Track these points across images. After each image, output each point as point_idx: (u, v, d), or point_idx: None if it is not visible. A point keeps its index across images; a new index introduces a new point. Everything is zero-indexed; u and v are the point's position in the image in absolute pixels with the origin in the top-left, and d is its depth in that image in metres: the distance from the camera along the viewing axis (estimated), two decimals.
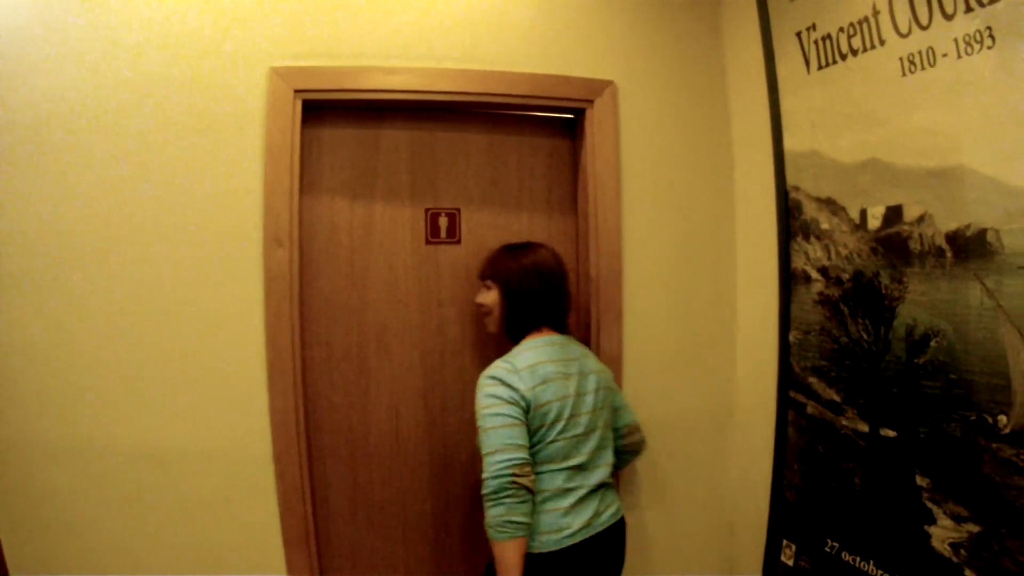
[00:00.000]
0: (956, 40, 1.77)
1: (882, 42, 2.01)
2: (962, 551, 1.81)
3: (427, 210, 2.71)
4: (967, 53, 1.75)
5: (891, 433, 2.05)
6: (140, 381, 2.39)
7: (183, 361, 2.42)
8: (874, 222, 2.09)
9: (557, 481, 2.18)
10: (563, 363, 2.26)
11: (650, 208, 2.76)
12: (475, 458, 2.76)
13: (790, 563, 2.47)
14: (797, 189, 2.40)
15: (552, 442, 2.17)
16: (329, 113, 2.61)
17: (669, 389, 2.81)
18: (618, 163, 2.70)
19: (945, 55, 1.81)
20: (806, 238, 2.37)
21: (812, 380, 2.37)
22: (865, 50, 2.08)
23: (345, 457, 2.69)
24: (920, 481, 1.94)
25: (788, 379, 2.49)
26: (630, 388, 2.73)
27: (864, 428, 2.16)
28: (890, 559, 2.06)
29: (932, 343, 1.90)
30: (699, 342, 2.83)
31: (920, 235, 1.93)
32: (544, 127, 2.81)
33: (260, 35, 2.44)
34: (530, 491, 2.06)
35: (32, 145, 2.33)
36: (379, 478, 2.72)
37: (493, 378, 2.17)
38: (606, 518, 2.25)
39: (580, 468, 2.22)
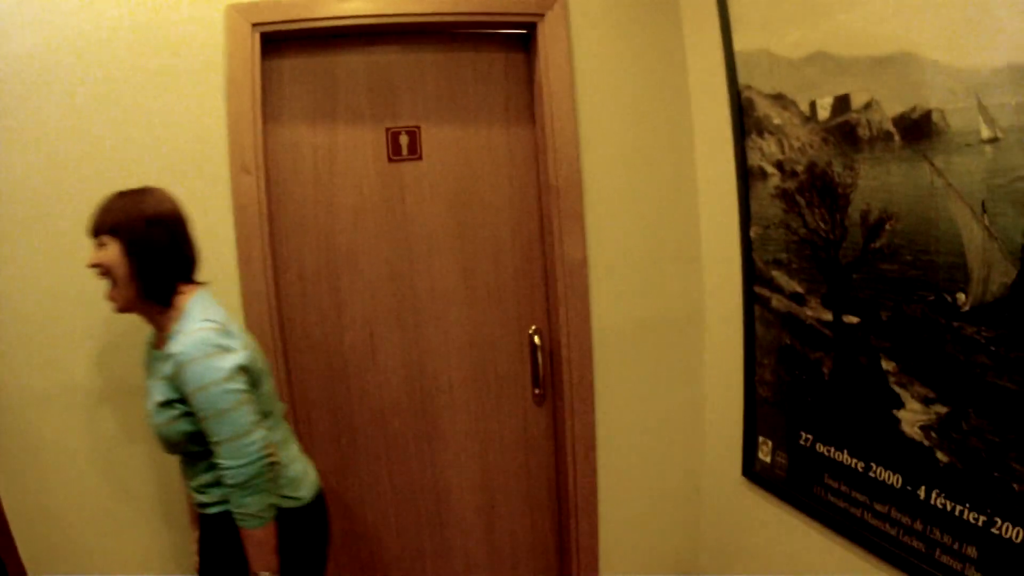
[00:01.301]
0: None
1: None
2: (932, 433, 1.84)
3: (387, 129, 2.73)
4: None
5: (854, 320, 2.07)
6: (113, 317, 2.39)
7: None
8: (823, 113, 2.09)
9: (284, 430, 2.12)
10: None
11: (606, 115, 2.76)
12: (452, 367, 2.87)
13: (767, 460, 2.52)
14: (749, 88, 2.38)
15: (268, 394, 2.03)
16: (288, 44, 2.63)
17: (637, 292, 2.85)
18: (572, 74, 2.70)
19: None
20: (760, 134, 2.36)
21: (775, 274, 2.39)
22: None
23: (325, 378, 2.76)
24: (886, 365, 1.96)
25: (752, 275, 2.51)
26: (598, 292, 2.79)
27: (828, 317, 2.18)
28: (863, 447, 2.09)
29: (887, 226, 1.91)
30: (664, 243, 2.85)
31: (868, 121, 1.92)
32: (498, 42, 2.81)
33: None
34: (276, 464, 1.92)
35: None
36: (358, 396, 2.81)
37: (210, 345, 1.83)
38: None
39: (283, 412, 2.18)
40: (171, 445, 1.96)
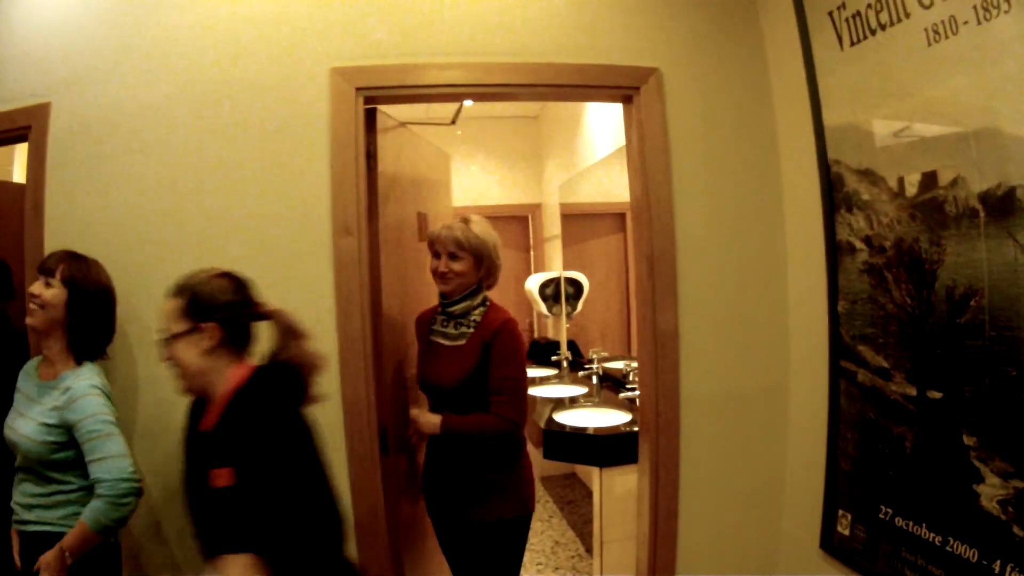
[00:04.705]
0: (975, 7, 1.81)
1: (907, 15, 2.06)
2: (1010, 508, 1.83)
3: None
4: (986, 19, 1.79)
5: (937, 395, 2.07)
6: None
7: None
8: (911, 189, 2.13)
9: None
10: None
11: (700, 187, 2.82)
12: None
13: (846, 532, 2.50)
14: (838, 163, 2.44)
15: None
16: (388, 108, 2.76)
17: (724, 364, 2.86)
18: (667, 146, 2.78)
19: (966, 22, 1.85)
20: (849, 210, 2.41)
21: (861, 348, 2.41)
22: (892, 24, 2.12)
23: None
24: (967, 440, 1.96)
25: (839, 349, 2.53)
26: (687, 364, 2.81)
27: (912, 392, 2.18)
28: (942, 521, 2.08)
29: (972, 302, 1.92)
30: (752, 316, 2.88)
31: (954, 198, 1.96)
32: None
33: (319, 38, 2.61)
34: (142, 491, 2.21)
35: (106, 149, 2.56)
36: None
37: (100, 389, 2.24)
38: None
39: None
40: (32, 460, 2.21)
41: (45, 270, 2.29)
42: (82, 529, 2.10)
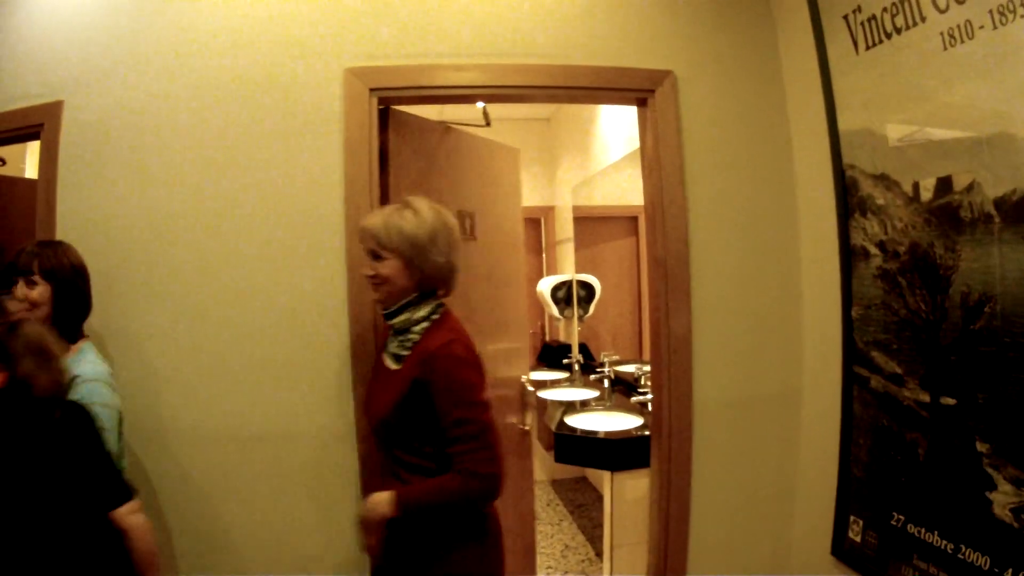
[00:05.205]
0: (991, 12, 1.81)
1: (923, 19, 2.05)
2: (1022, 516, 1.82)
3: None
4: (1002, 23, 1.78)
5: (951, 401, 2.06)
6: (228, 367, 2.56)
7: (271, 347, 2.58)
8: (926, 194, 2.12)
9: None
10: None
11: (714, 191, 2.81)
12: None
13: (857, 539, 2.49)
14: (853, 167, 2.44)
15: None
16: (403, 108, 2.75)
17: (737, 368, 2.85)
18: (681, 149, 2.77)
19: (982, 27, 1.85)
20: (863, 214, 2.40)
21: (875, 354, 2.40)
22: (908, 28, 2.12)
23: None
24: (980, 447, 1.95)
25: (852, 354, 2.52)
26: (700, 368, 2.80)
27: (925, 398, 2.17)
28: (954, 528, 2.06)
29: (986, 308, 1.91)
30: (766, 321, 2.87)
31: (970, 203, 1.95)
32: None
33: (334, 38, 2.61)
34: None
35: (118, 147, 2.57)
36: None
37: (104, 376, 2.17)
38: None
39: None
40: None
41: (23, 270, 2.18)
42: None
